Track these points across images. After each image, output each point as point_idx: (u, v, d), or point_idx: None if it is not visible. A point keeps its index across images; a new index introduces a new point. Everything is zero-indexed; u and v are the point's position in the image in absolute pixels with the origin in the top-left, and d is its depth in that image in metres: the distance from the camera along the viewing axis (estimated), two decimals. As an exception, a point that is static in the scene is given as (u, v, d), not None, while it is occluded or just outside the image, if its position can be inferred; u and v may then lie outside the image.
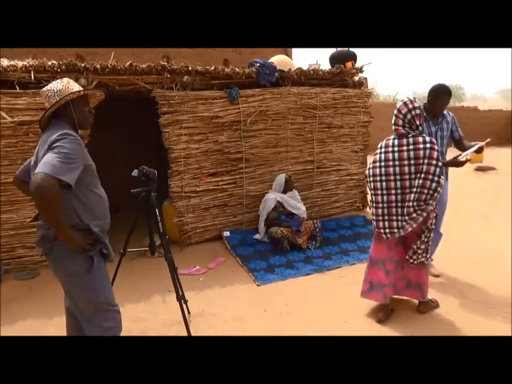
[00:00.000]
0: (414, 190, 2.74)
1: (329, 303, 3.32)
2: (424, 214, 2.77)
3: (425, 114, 3.40)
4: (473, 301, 3.25)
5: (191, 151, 4.50)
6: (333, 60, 5.73)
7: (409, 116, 2.76)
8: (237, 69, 4.61)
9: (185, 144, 4.44)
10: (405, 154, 2.75)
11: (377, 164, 2.88)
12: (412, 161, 2.74)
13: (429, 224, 2.83)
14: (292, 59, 7.03)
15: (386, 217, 2.88)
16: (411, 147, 2.73)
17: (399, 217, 2.81)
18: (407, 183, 2.77)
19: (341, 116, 5.37)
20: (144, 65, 4.16)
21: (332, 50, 5.97)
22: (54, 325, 2.98)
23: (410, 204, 2.75)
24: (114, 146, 6.01)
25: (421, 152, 2.70)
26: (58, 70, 3.82)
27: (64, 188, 1.81)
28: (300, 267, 4.04)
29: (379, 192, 2.89)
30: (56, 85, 2.01)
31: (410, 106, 2.77)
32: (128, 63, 4.08)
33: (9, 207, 3.86)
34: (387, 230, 2.88)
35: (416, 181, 2.74)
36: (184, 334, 2.72)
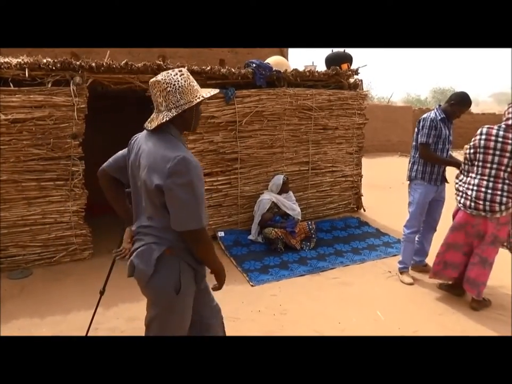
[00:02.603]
0: None
1: (322, 303, 3.33)
2: None
3: (444, 115, 3.52)
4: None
5: (186, 151, 4.48)
6: (329, 61, 5.75)
7: None
8: (233, 69, 4.61)
9: (180, 144, 4.42)
10: (509, 147, 2.92)
11: (478, 150, 3.05)
12: None
13: None
14: (288, 60, 7.05)
15: (473, 198, 3.05)
16: None
17: (486, 204, 2.99)
18: (502, 173, 2.97)
19: (336, 118, 5.40)
20: (139, 64, 4.14)
21: (328, 51, 5.98)
22: (47, 324, 2.97)
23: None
24: (109, 145, 5.97)
25: None
26: (53, 67, 3.80)
27: None
28: (294, 268, 4.05)
29: (473, 175, 3.10)
30: (177, 78, 1.67)
31: None
32: (123, 62, 4.07)
33: (2, 205, 3.82)
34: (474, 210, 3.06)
35: None
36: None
